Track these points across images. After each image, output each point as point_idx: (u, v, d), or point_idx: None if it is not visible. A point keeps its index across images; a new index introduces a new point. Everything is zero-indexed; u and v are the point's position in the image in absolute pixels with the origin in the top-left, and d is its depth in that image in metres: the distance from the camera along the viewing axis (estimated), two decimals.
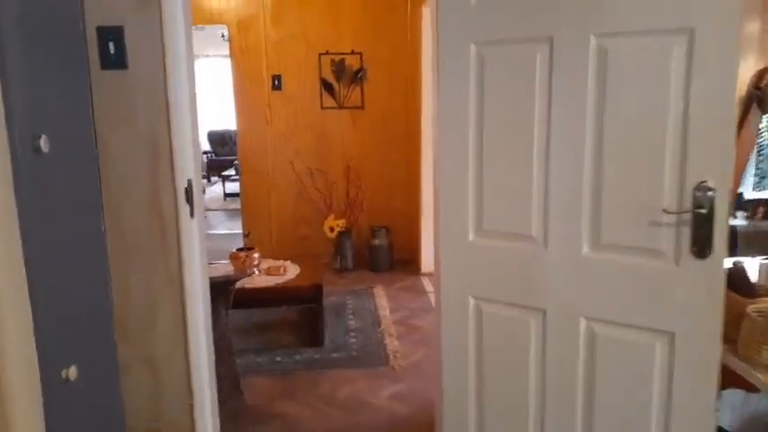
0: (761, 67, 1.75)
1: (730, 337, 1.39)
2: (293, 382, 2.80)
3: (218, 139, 8.63)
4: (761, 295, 1.49)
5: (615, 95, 1.35)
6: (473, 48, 1.53)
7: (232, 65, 4.50)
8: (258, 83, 4.52)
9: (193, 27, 1.85)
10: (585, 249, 1.45)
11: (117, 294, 1.72)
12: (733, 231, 1.75)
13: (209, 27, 4.63)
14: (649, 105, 1.32)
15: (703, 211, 1.27)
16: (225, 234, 5.89)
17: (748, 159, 1.86)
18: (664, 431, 1.41)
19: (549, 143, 1.45)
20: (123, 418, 1.47)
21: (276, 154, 4.64)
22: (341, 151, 4.67)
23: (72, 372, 1.12)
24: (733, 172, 1.27)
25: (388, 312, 3.69)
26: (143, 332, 1.81)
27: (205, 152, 8.70)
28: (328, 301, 3.64)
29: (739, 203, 1.93)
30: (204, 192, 7.26)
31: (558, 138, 1.44)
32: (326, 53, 4.51)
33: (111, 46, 1.66)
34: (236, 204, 5.45)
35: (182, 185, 1.77)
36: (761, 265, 1.63)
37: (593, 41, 1.36)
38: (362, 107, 4.63)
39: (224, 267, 3.08)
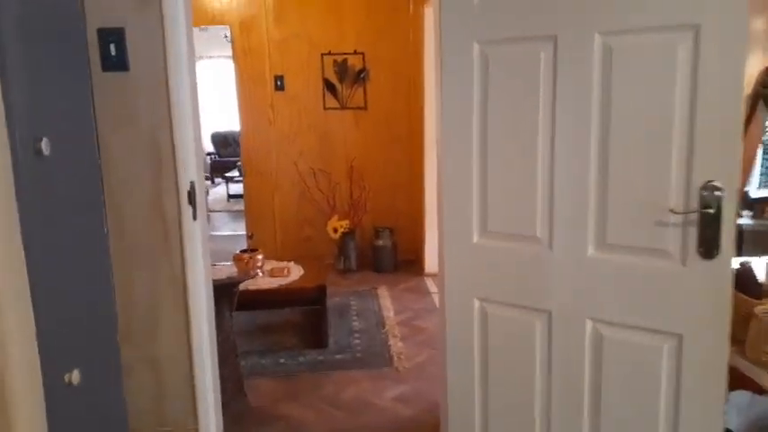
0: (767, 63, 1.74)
1: (737, 338, 1.37)
2: (297, 383, 2.79)
3: (222, 141, 8.65)
4: None
5: (620, 94, 1.34)
6: (476, 47, 1.52)
7: (235, 65, 4.50)
8: (261, 83, 4.52)
9: (197, 28, 1.85)
10: (591, 250, 1.43)
11: (120, 296, 1.72)
12: (738, 231, 1.73)
13: (211, 28, 4.63)
14: (655, 104, 1.30)
15: (710, 210, 1.26)
16: (229, 235, 5.90)
17: (755, 157, 1.85)
18: None
19: (554, 143, 1.44)
20: (126, 420, 1.47)
21: (279, 155, 4.64)
22: (344, 152, 4.66)
23: (75, 376, 1.12)
24: (740, 170, 1.25)
25: (392, 313, 3.68)
26: (146, 334, 1.81)
27: (208, 153, 8.72)
28: (332, 302, 3.63)
29: (745, 202, 1.91)
30: (208, 193, 7.28)
31: (563, 137, 1.43)
32: (329, 53, 4.51)
33: (113, 48, 1.66)
34: (240, 206, 5.45)
35: (184, 187, 1.77)
36: None
37: (597, 40, 1.35)
38: (365, 107, 4.62)
39: (228, 269, 3.08)
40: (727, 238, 1.26)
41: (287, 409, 2.56)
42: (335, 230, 4.48)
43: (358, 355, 3.09)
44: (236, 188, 7.25)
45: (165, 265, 1.78)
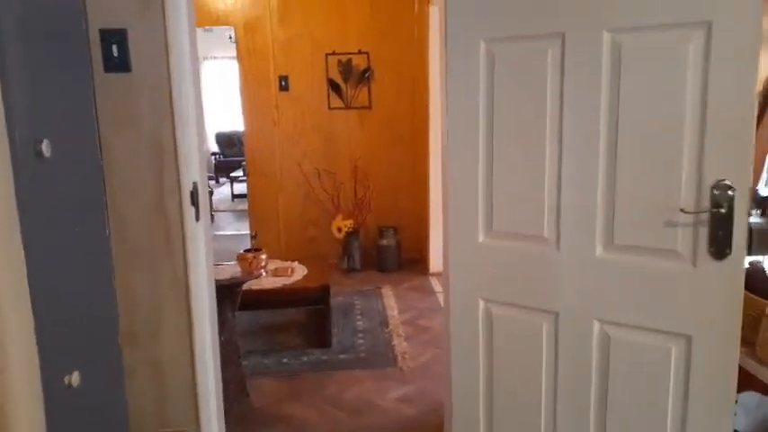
0: None
1: (747, 338, 1.35)
2: (300, 383, 2.78)
3: (226, 141, 8.66)
4: None
5: (629, 92, 1.32)
6: (483, 45, 1.50)
7: (239, 66, 4.50)
8: (265, 84, 4.51)
9: (201, 29, 1.84)
10: (599, 250, 1.41)
11: (122, 298, 1.71)
12: (748, 230, 1.70)
13: (216, 29, 4.63)
14: (665, 102, 1.28)
15: (722, 210, 1.23)
16: (233, 235, 5.90)
17: (766, 155, 1.82)
18: None
19: (562, 141, 1.42)
20: (127, 422, 1.46)
21: (284, 155, 4.63)
22: (348, 152, 4.65)
23: (75, 378, 1.11)
24: (752, 169, 1.23)
25: (396, 313, 3.67)
26: (148, 336, 1.80)
27: (213, 153, 8.74)
28: (336, 301, 3.62)
29: (754, 201, 1.88)
30: (212, 193, 7.29)
31: (571, 136, 1.40)
32: (333, 53, 4.49)
33: (115, 48, 1.65)
34: (245, 205, 5.45)
35: (187, 188, 1.76)
36: None
37: (606, 37, 1.32)
38: (370, 107, 4.61)
39: (231, 268, 3.07)
40: (739, 237, 1.24)
41: (290, 410, 2.55)
42: (340, 230, 4.47)
43: (362, 354, 3.07)
44: (241, 188, 7.26)
45: (167, 266, 1.77)
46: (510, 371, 1.61)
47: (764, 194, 1.96)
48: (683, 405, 1.36)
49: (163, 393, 1.84)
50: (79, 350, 1.20)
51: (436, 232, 4.19)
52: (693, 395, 1.34)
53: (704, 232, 1.27)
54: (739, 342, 1.28)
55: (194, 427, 1.86)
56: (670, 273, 1.33)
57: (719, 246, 1.25)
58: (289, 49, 4.48)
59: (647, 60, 1.29)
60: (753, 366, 1.36)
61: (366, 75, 4.53)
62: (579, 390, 1.49)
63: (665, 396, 1.38)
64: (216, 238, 5.48)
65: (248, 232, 4.86)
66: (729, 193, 1.23)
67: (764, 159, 1.78)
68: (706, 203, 1.26)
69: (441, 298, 3.81)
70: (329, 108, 4.58)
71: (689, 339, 1.33)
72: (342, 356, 3.05)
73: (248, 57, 4.48)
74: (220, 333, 2.08)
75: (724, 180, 1.23)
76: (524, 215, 1.51)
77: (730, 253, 1.25)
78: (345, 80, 4.54)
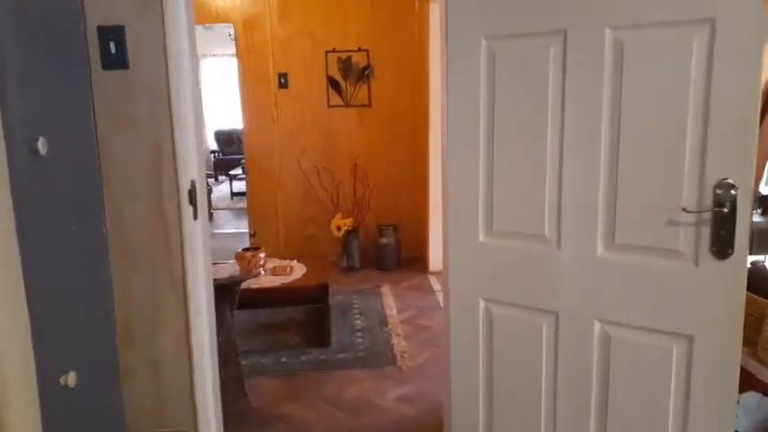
0: None
1: (749, 339, 1.34)
2: (299, 382, 2.78)
3: (226, 138, 8.64)
4: None
5: (632, 90, 1.31)
6: (484, 42, 1.49)
7: (238, 63, 4.48)
8: (264, 81, 4.50)
9: (201, 26, 1.83)
10: (600, 250, 1.40)
11: (119, 298, 1.70)
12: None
13: (216, 26, 4.61)
14: (668, 100, 1.27)
15: (724, 209, 1.22)
16: (232, 233, 5.89)
17: None
18: None
19: (563, 140, 1.41)
20: (124, 423, 1.45)
21: (283, 153, 4.62)
22: (348, 150, 4.63)
23: (71, 378, 1.10)
24: (755, 168, 1.22)
25: (395, 312, 3.66)
26: (146, 335, 1.79)
27: (212, 151, 8.72)
28: (335, 300, 3.62)
29: (754, 200, 1.87)
30: (211, 191, 7.27)
31: (572, 134, 1.39)
32: (333, 51, 4.48)
33: (112, 46, 1.64)
34: (244, 203, 5.44)
35: (185, 186, 1.74)
36: None
37: (608, 34, 1.31)
38: (369, 105, 4.59)
39: (230, 267, 3.06)
40: (742, 237, 1.23)
41: (288, 409, 2.54)
42: (339, 228, 4.46)
43: (360, 354, 3.07)
44: (240, 185, 7.24)
45: (165, 266, 1.76)
46: (510, 371, 1.60)
47: (765, 193, 1.95)
48: (684, 406, 1.35)
49: (161, 393, 1.83)
50: (76, 350, 1.19)
51: (436, 231, 4.18)
52: (695, 396, 1.33)
53: (706, 232, 1.26)
54: (741, 342, 1.28)
55: (192, 427, 1.85)
56: (672, 272, 1.32)
57: (722, 245, 1.25)
58: (288, 47, 4.46)
59: (649, 58, 1.28)
60: (754, 367, 1.36)
61: (366, 72, 4.52)
62: (579, 390, 1.48)
63: (666, 396, 1.37)
64: (215, 236, 5.47)
65: (247, 230, 4.85)
66: (732, 192, 1.22)
67: (767, 158, 1.77)
68: (708, 203, 1.25)
69: (440, 297, 3.80)
70: (328, 106, 4.57)
71: (690, 339, 1.32)
72: (341, 356, 3.04)
73: (248, 54, 4.46)
74: (219, 332, 2.07)
75: (726, 179, 1.22)
76: (525, 214, 1.50)
77: (732, 253, 1.24)
78: (345, 78, 4.53)
